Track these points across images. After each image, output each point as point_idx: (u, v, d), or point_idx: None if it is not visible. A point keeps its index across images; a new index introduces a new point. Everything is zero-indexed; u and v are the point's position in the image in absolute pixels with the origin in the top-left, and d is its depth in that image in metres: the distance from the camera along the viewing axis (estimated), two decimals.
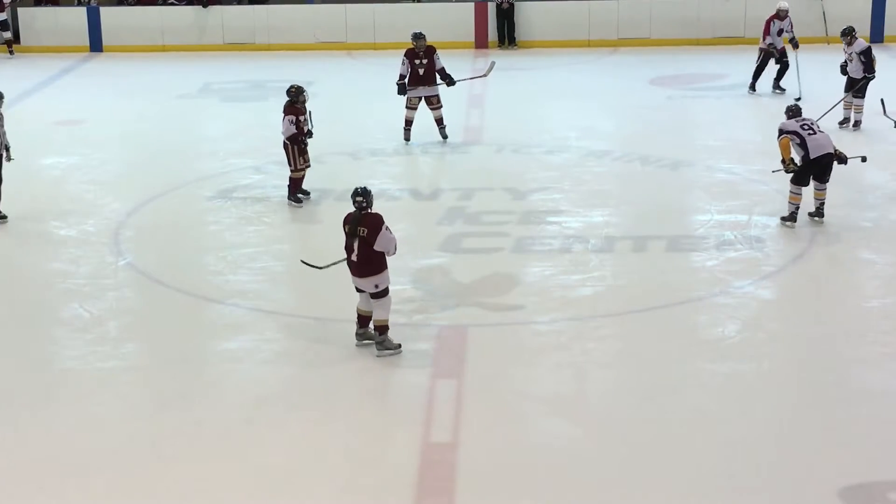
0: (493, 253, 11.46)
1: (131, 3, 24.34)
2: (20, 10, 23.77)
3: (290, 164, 12.83)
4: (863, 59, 15.60)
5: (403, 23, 21.82)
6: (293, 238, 12.12)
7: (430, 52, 15.24)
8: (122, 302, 10.60)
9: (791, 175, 11.87)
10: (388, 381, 8.88)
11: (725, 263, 11.15)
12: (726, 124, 16.58)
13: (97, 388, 8.86)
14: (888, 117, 13.73)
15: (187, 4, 23.72)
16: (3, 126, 12.48)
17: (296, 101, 12.67)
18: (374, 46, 22.74)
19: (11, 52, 22.87)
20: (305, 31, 23.18)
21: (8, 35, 23.05)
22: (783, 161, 11.86)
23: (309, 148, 12.82)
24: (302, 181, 12.91)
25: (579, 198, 13.12)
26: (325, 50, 22.83)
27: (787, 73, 17.66)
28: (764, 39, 17.64)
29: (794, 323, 9.92)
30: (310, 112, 12.90)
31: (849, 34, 15.77)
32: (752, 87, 17.94)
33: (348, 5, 23.26)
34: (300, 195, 12.90)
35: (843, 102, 15.63)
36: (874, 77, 15.64)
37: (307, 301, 10.34)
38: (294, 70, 20.87)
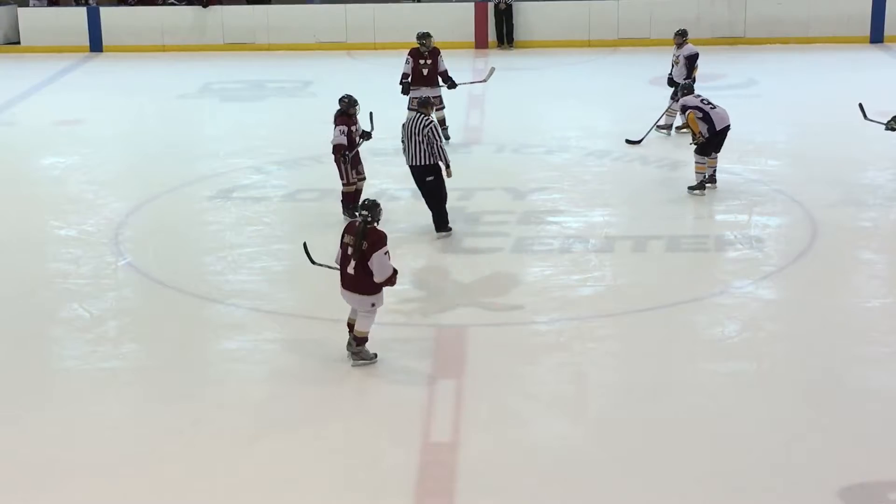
0: (493, 253, 11.46)
1: (131, 3, 24.36)
2: (20, 10, 23.80)
3: (340, 178, 12.28)
4: (686, 65, 15.30)
5: (403, 23, 21.89)
6: (293, 238, 12.09)
7: (435, 53, 15.22)
8: (122, 302, 10.60)
9: (695, 147, 12.90)
10: (387, 381, 8.86)
11: (725, 263, 11.15)
12: None
13: (97, 388, 8.85)
14: (870, 120, 13.68)
15: (187, 4, 23.74)
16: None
17: (346, 112, 12.12)
18: (374, 46, 22.76)
19: None
20: (305, 31, 23.20)
21: None
22: (693, 134, 12.86)
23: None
24: (357, 195, 12.09)
25: (579, 198, 13.12)
26: (325, 50, 22.85)
27: None
28: None
29: (794, 323, 9.91)
30: (371, 113, 12.52)
31: (682, 35, 15.49)
32: None
33: (348, 5, 23.27)
34: (354, 209, 11.92)
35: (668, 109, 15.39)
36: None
37: (307, 301, 10.33)
38: (294, 70, 20.90)
